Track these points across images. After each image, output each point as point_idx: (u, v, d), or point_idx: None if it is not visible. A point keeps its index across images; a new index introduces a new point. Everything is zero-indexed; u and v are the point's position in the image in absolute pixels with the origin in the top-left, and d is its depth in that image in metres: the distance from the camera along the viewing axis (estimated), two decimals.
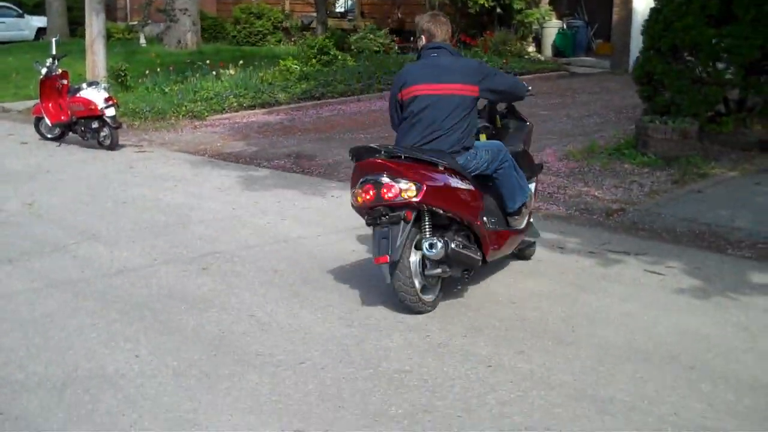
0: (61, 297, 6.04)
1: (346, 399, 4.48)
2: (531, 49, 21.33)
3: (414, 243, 5.54)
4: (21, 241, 7.44)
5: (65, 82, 12.46)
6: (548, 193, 8.75)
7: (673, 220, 7.74)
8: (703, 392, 4.51)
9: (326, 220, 8.03)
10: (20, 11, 32.73)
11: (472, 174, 5.85)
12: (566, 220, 7.91)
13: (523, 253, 6.67)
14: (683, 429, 4.15)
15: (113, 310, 5.78)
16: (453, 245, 5.50)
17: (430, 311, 5.65)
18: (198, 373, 4.79)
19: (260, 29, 26.41)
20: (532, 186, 6.49)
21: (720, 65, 10.30)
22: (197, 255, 6.99)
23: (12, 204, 8.78)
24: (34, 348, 5.16)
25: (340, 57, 18.68)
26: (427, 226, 5.57)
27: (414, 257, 5.53)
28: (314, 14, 24.28)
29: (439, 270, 5.57)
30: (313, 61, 18.26)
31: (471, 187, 5.73)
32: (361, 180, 5.50)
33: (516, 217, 6.19)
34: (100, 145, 11.93)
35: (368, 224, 5.63)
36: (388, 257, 5.36)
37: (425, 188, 5.35)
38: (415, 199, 5.34)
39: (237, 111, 14.78)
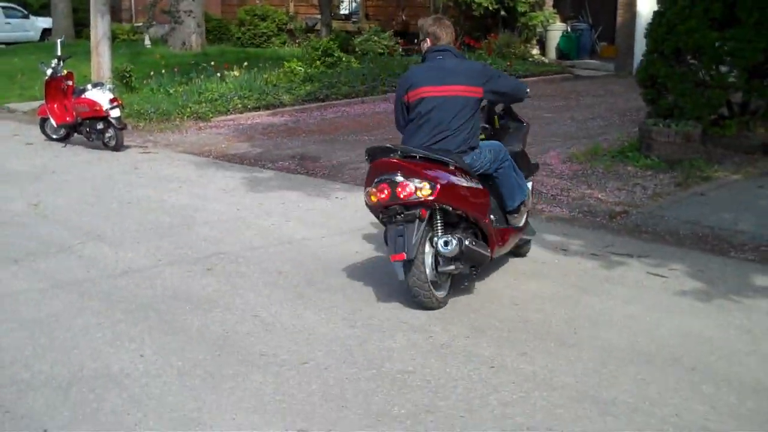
0: (67, 297, 6.08)
1: (349, 399, 4.50)
2: (535, 51, 21.36)
3: (426, 241, 5.66)
4: (26, 241, 7.48)
5: (70, 83, 12.50)
6: (552, 195, 8.78)
7: (676, 222, 7.76)
8: (706, 394, 4.53)
9: (330, 221, 8.06)
10: (26, 12, 32.86)
11: (477, 173, 5.98)
12: (569, 223, 7.93)
13: (519, 251, 6.80)
14: (685, 431, 4.17)
15: (118, 310, 5.81)
16: (467, 242, 5.65)
17: (441, 308, 5.74)
18: (202, 373, 4.82)
19: (265, 31, 26.47)
20: (529, 185, 6.63)
21: (723, 68, 10.31)
22: (202, 256, 7.02)
23: (17, 204, 8.82)
24: (39, 347, 5.19)
25: (344, 59, 18.73)
26: (439, 224, 5.70)
27: (428, 254, 5.66)
28: (319, 16, 24.33)
29: (452, 266, 5.71)
30: (318, 62, 18.29)
31: (480, 186, 5.89)
32: (376, 179, 5.64)
33: (515, 215, 6.35)
34: (105, 146, 11.97)
35: (383, 222, 5.76)
36: (405, 254, 5.48)
37: (439, 187, 5.48)
38: (430, 198, 5.47)
39: (241, 112, 14.81)
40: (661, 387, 4.61)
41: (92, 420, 4.31)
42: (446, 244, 5.61)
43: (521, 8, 20.89)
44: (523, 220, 6.46)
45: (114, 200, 8.97)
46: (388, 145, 5.89)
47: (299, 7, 27.77)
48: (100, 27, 15.83)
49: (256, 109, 15.05)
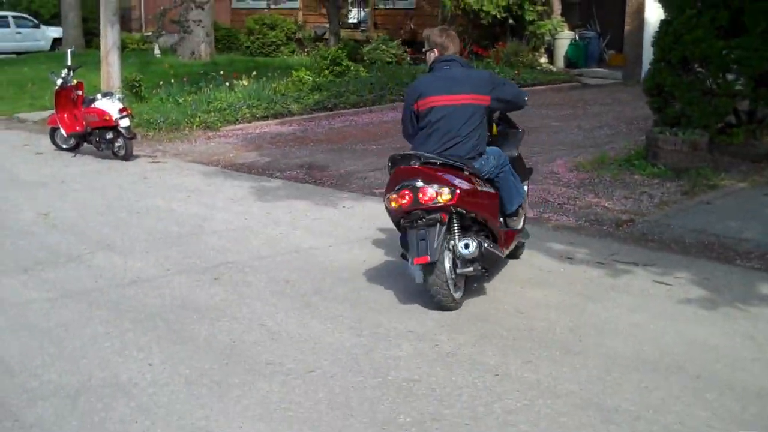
0: (76, 307, 6.13)
1: (355, 407, 4.54)
2: (543, 60, 21.37)
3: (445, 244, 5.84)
4: (36, 250, 7.54)
5: (80, 92, 12.57)
6: (558, 204, 8.81)
7: (682, 231, 7.77)
8: (709, 401, 4.55)
9: (338, 230, 8.10)
10: (36, 22, 33.04)
11: (484, 178, 6.20)
12: (576, 231, 7.95)
13: (515, 253, 6.95)
14: None
15: (126, 319, 5.86)
16: (486, 244, 5.88)
17: (458, 308, 5.91)
18: (209, 382, 4.86)
19: (273, 40, 26.59)
20: (525, 188, 6.81)
21: (730, 77, 10.32)
22: (210, 265, 7.07)
23: (27, 214, 8.89)
24: (48, 356, 5.24)
25: (352, 68, 18.78)
26: (456, 227, 5.89)
27: (447, 257, 5.83)
28: (327, 25, 24.41)
29: (470, 268, 5.90)
30: (326, 72, 18.35)
31: (491, 190, 6.15)
32: (397, 186, 5.82)
33: (514, 218, 6.57)
34: (115, 156, 12.04)
35: (404, 227, 5.93)
36: (429, 257, 5.64)
37: (459, 192, 5.70)
38: (450, 203, 5.68)
39: (250, 122, 14.88)
40: (664, 394, 4.63)
41: (100, 429, 4.35)
42: (467, 246, 5.80)
43: (529, 17, 20.92)
44: (521, 223, 6.69)
45: (123, 209, 9.04)
46: (409, 152, 6.08)
47: (308, 16, 27.88)
48: (109, 37, 15.93)
49: (265, 118, 15.11)
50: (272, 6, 26.98)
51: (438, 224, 5.72)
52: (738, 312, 5.87)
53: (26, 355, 5.26)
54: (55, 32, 32.43)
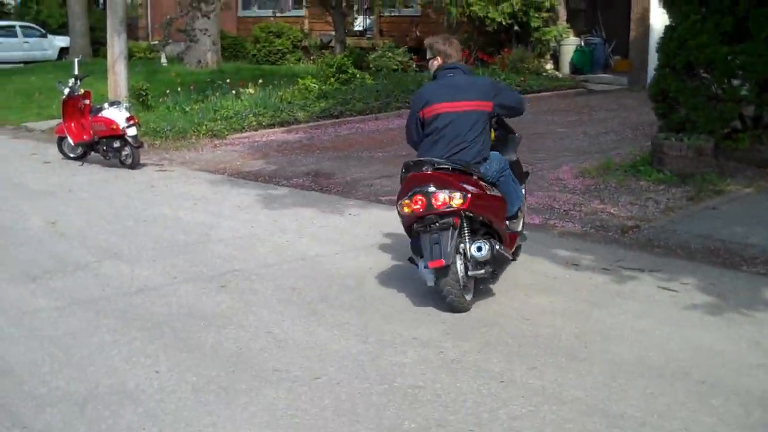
0: (84, 315, 6.16)
1: (360, 414, 4.56)
2: (548, 66, 21.40)
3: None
4: (44, 259, 7.59)
5: (87, 101, 12.63)
6: (564, 210, 8.82)
7: (687, 236, 7.78)
8: (714, 407, 4.55)
9: (344, 238, 8.13)
10: (43, 31, 33.18)
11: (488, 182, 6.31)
12: (581, 237, 7.96)
13: (513, 255, 6.95)
14: None
15: (134, 327, 5.89)
16: (497, 246, 6.00)
17: (469, 310, 6.00)
18: (216, 389, 4.89)
19: (279, 48, 26.66)
20: (522, 191, 6.92)
21: (735, 82, 10.32)
22: (216, 273, 7.10)
23: (35, 222, 8.94)
24: (57, 364, 5.28)
25: (358, 75, 18.82)
26: (466, 231, 6.00)
27: (459, 259, 5.93)
28: (333, 33, 24.47)
29: (482, 270, 6.01)
30: (332, 79, 18.39)
31: (499, 194, 6.27)
32: (410, 192, 5.92)
33: (515, 220, 6.67)
34: (122, 164, 12.09)
35: (416, 232, 6.01)
36: (443, 260, 5.74)
37: (470, 196, 5.82)
38: (462, 207, 5.79)
39: (256, 130, 14.92)
40: (670, 400, 4.64)
41: None
42: (479, 249, 5.91)
43: (535, 23, 20.94)
44: (521, 225, 6.79)
45: (130, 218, 9.08)
46: (422, 158, 6.17)
47: (314, 24, 27.97)
48: (116, 46, 15.99)
49: (271, 126, 15.15)
50: (278, 14, 27.08)
51: (451, 228, 5.83)
52: (743, 317, 5.88)
53: (34, 363, 5.30)
54: (62, 41, 32.54)
